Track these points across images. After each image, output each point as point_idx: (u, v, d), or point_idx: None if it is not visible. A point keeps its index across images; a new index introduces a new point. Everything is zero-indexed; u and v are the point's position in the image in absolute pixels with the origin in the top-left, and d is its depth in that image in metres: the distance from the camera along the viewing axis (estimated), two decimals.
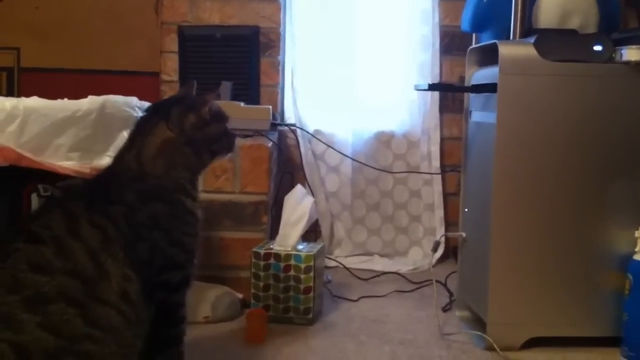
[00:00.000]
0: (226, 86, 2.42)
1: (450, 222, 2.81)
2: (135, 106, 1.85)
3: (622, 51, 1.76)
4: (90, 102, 1.78)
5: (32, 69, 2.87)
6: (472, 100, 2.05)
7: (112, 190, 1.34)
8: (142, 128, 1.43)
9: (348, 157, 2.79)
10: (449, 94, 2.84)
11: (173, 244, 1.38)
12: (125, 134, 1.81)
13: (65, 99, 1.80)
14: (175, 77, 2.72)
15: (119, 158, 1.41)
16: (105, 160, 1.77)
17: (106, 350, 1.20)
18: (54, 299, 1.16)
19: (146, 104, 1.91)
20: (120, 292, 1.23)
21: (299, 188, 2.10)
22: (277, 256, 1.97)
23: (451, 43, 2.84)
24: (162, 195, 1.38)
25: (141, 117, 1.46)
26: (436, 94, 2.83)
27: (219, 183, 2.16)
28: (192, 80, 1.56)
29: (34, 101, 1.75)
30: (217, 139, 1.48)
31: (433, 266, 2.52)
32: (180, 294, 1.41)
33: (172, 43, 2.72)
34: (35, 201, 1.70)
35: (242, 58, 2.66)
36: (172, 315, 1.39)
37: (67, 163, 1.73)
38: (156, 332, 1.33)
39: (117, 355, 1.22)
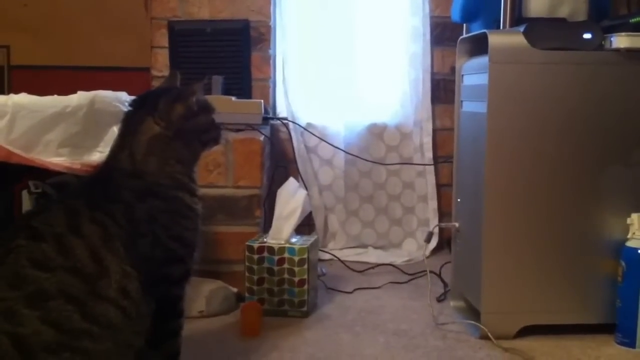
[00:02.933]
0: (217, 80, 2.41)
1: (443, 213, 2.81)
2: (125, 101, 1.84)
3: (612, 38, 1.76)
4: (79, 97, 1.77)
5: (22, 67, 2.86)
6: (464, 90, 2.05)
7: (111, 188, 1.35)
8: (129, 125, 1.42)
9: (341, 149, 2.79)
10: (441, 84, 2.85)
11: (173, 238, 1.38)
12: (115, 130, 1.80)
13: (55, 95, 1.79)
14: (166, 72, 2.70)
15: (113, 157, 1.41)
16: (96, 156, 1.77)
17: (104, 347, 1.20)
18: (54, 296, 1.17)
19: None
20: (119, 289, 1.24)
21: (291, 181, 2.10)
22: (271, 249, 1.97)
23: (442, 34, 2.84)
24: (160, 192, 1.39)
25: (127, 113, 1.45)
26: (427, 84, 2.83)
27: (211, 177, 2.16)
28: (175, 70, 1.55)
29: (23, 97, 1.74)
30: (205, 130, 1.47)
31: (427, 257, 2.53)
32: (180, 288, 1.42)
33: (162, 38, 2.71)
34: (26, 198, 1.70)
35: (232, 52, 2.66)
36: (172, 309, 1.40)
37: (57, 159, 1.73)
38: (155, 324, 1.33)
39: (115, 352, 1.22)
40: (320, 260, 2.44)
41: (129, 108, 1.46)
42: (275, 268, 1.97)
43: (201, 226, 1.47)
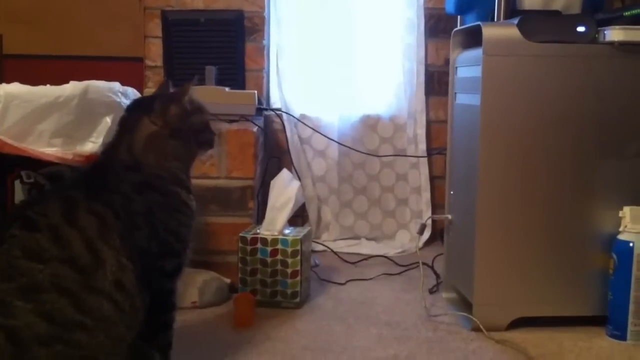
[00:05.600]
0: (211, 71, 2.41)
1: (437, 205, 2.81)
2: (118, 91, 1.84)
3: (606, 32, 1.76)
4: (72, 87, 1.76)
5: (15, 56, 2.84)
6: (457, 82, 2.05)
7: (109, 180, 1.36)
8: (126, 125, 1.44)
9: (334, 141, 2.78)
10: (435, 76, 2.84)
11: (169, 232, 1.40)
12: (108, 120, 1.80)
13: (48, 85, 1.79)
14: (159, 62, 2.70)
15: (110, 151, 1.43)
16: (88, 146, 1.76)
17: (96, 340, 1.21)
18: (47, 288, 1.17)
19: (129, 89, 1.91)
20: (114, 281, 1.24)
21: (285, 172, 2.10)
22: (264, 241, 1.97)
23: (436, 25, 2.83)
24: (157, 185, 1.40)
25: (122, 117, 1.47)
26: (421, 76, 2.83)
27: (205, 168, 2.16)
28: (167, 79, 1.59)
29: (16, 87, 1.73)
30: (200, 130, 1.50)
31: (420, 249, 2.54)
32: (172, 281, 1.44)
33: (155, 28, 2.69)
34: (18, 188, 1.70)
35: (226, 43, 2.65)
36: (164, 302, 1.41)
37: (50, 149, 1.72)
38: (148, 318, 1.34)
39: (107, 345, 1.23)
40: (314, 251, 2.44)
41: (124, 113, 1.48)
42: (269, 259, 1.97)
43: (195, 223, 1.49)
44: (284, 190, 2.03)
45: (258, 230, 2.02)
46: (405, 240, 2.80)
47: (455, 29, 2.08)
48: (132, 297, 1.27)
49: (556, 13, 1.96)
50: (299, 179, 2.66)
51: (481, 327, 1.78)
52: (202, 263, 2.08)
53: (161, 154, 1.42)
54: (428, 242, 2.73)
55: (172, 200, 1.42)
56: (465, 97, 1.98)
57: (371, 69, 2.84)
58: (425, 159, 2.84)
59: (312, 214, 2.79)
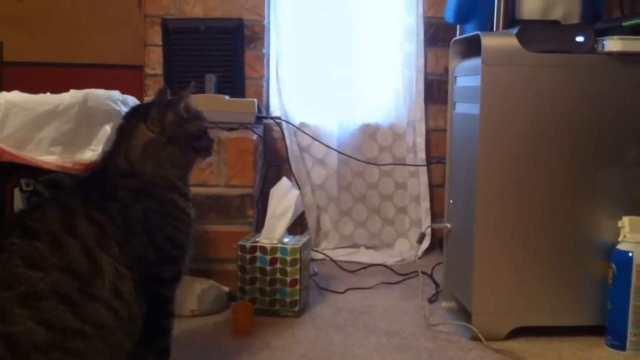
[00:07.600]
0: (210, 79, 2.41)
1: (436, 214, 2.81)
2: (118, 100, 1.84)
3: (604, 42, 1.77)
4: (72, 95, 1.77)
5: (15, 63, 2.84)
6: (457, 91, 2.05)
7: (107, 187, 1.37)
8: (123, 133, 1.45)
9: (334, 149, 2.78)
10: (434, 84, 2.85)
11: (166, 239, 1.40)
12: (107, 128, 1.81)
13: (48, 93, 1.79)
14: (159, 70, 2.70)
15: (108, 158, 1.44)
16: (88, 154, 1.77)
17: (95, 348, 1.21)
18: (47, 296, 1.17)
19: (128, 98, 1.91)
20: (112, 290, 1.24)
21: (284, 181, 2.10)
22: (263, 249, 1.97)
23: (435, 34, 2.84)
24: (154, 192, 1.41)
25: (120, 124, 1.48)
26: (421, 85, 2.83)
27: (204, 176, 2.16)
28: (166, 86, 1.59)
29: (15, 95, 1.74)
30: (197, 136, 1.50)
31: (419, 258, 2.54)
32: (170, 289, 1.44)
33: (155, 36, 2.70)
34: (17, 196, 1.70)
35: (226, 51, 2.66)
36: (162, 310, 1.41)
37: (49, 157, 1.72)
38: (146, 325, 1.34)
39: (106, 353, 1.23)
40: (313, 260, 2.44)
41: (122, 120, 1.48)
42: (268, 268, 1.97)
43: (194, 231, 1.49)
44: (283, 199, 2.03)
45: (257, 239, 2.01)
46: (405, 249, 2.80)
47: (455, 39, 2.08)
48: (130, 305, 1.27)
49: (555, 23, 1.97)
50: (299, 187, 2.66)
51: (480, 336, 1.78)
52: (201, 271, 2.07)
53: (158, 160, 1.43)
54: (427, 251, 2.73)
55: (169, 207, 1.43)
56: (464, 106, 1.98)
57: (371, 77, 2.84)
58: (425, 168, 2.84)
59: (311, 223, 2.78)
